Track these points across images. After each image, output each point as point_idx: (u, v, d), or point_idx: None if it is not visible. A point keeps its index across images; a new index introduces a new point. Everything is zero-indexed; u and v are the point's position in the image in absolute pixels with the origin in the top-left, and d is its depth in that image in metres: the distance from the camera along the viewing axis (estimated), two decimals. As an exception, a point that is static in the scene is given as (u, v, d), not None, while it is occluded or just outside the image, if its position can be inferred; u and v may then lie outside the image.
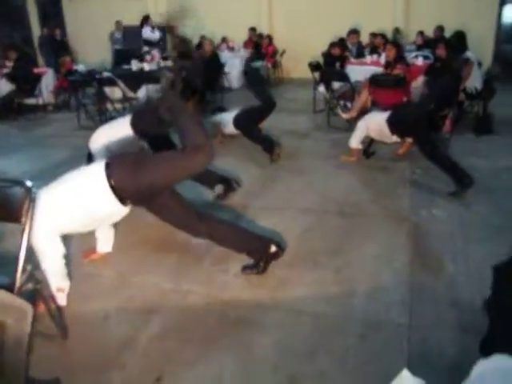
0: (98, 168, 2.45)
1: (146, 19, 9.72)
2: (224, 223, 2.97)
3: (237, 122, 5.28)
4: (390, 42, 6.68)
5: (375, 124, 4.60)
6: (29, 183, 2.06)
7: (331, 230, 3.44)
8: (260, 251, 2.85)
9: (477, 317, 2.38)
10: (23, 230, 2.00)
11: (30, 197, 2.01)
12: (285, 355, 2.20)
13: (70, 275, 2.52)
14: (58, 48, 10.98)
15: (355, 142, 4.79)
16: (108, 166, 2.43)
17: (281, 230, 3.39)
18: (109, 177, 2.38)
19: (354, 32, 8.60)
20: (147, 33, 9.61)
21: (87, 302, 2.64)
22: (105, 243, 3.05)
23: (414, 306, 2.50)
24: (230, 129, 5.42)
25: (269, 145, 5.10)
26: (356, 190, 4.21)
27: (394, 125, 4.39)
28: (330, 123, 6.60)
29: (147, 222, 3.28)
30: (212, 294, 2.70)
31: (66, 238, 2.56)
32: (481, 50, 8.44)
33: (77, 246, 3.11)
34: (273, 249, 2.82)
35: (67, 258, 2.51)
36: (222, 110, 5.94)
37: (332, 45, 7.65)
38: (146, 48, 9.45)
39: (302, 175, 4.62)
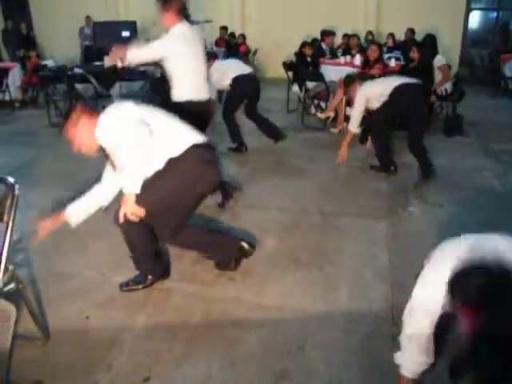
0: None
1: None
2: (191, 227, 2.75)
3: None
4: (374, 43, 6.78)
5: (375, 88, 4.49)
6: (11, 179, 2.00)
7: (311, 229, 3.47)
8: (230, 252, 2.83)
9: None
10: (6, 228, 1.94)
11: (13, 193, 1.94)
12: (271, 352, 2.21)
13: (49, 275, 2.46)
14: (24, 42, 10.66)
15: (354, 125, 4.49)
16: None
17: (260, 229, 3.40)
18: None
19: (329, 33, 8.69)
20: None
21: (68, 302, 2.58)
22: (80, 213, 2.56)
23: (396, 302, 2.56)
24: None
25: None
26: (333, 189, 4.26)
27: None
28: (304, 122, 6.65)
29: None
30: (195, 292, 2.69)
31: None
32: (449, 53, 8.67)
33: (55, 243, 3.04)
34: (244, 246, 2.81)
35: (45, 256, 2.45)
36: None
37: (304, 44, 7.71)
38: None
39: (279, 175, 4.64)
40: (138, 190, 2.25)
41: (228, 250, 2.83)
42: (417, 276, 1.62)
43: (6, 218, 1.93)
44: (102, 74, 6.94)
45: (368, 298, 2.60)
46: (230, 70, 5.19)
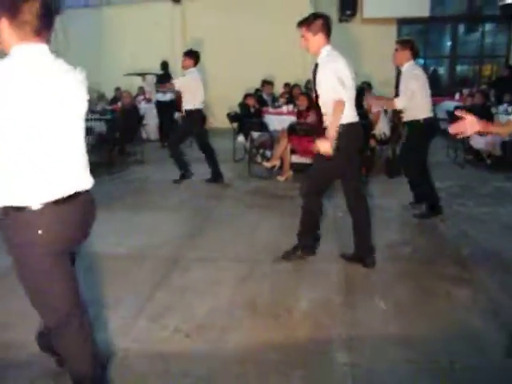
0: None
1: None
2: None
3: None
4: (302, 93, 7.13)
5: None
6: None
7: (266, 278, 3.48)
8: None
9: (416, 348, 2.53)
10: None
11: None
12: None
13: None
14: None
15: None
16: None
17: (214, 281, 3.38)
18: None
19: (268, 83, 9.05)
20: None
21: (10, 371, 2.42)
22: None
23: (353, 343, 2.59)
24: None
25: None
26: (283, 236, 4.31)
27: None
28: (250, 172, 6.77)
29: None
30: (153, 350, 2.61)
31: None
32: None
33: None
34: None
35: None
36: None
37: (247, 96, 7.97)
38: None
39: (230, 224, 4.66)
40: None
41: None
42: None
43: None
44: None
45: (325, 342, 2.62)
46: None
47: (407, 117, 4.52)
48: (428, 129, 4.48)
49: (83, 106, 1.82)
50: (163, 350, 2.60)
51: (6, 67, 1.58)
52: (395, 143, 6.50)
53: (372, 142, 6.22)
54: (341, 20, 10.78)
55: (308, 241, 3.74)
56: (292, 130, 6.13)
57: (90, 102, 1.97)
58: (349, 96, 3.28)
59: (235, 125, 7.62)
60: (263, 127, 6.77)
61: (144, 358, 2.54)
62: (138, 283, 3.42)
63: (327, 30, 3.36)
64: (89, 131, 6.95)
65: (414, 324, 2.79)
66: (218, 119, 9.89)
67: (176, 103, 9.03)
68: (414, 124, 4.48)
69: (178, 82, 6.17)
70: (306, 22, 3.36)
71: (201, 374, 2.40)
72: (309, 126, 6.04)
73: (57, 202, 1.74)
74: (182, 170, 6.37)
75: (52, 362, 2.34)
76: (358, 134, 3.47)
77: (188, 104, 6.10)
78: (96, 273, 3.58)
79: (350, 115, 3.33)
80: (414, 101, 4.31)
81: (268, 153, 6.91)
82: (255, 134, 6.98)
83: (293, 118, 6.70)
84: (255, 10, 10.99)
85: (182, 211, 5.10)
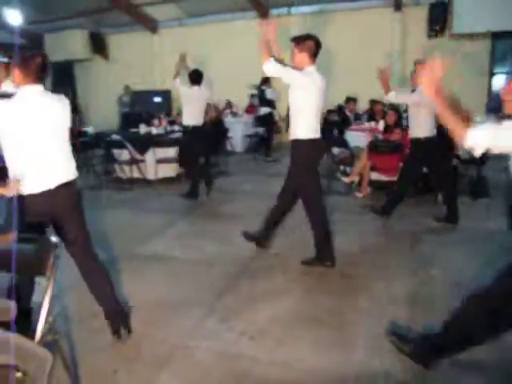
0: None
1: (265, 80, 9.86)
2: None
3: None
4: (391, 108, 7.03)
5: None
6: (54, 239, 2.21)
7: (331, 291, 3.54)
8: None
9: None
10: (47, 284, 2.12)
11: (54, 253, 2.15)
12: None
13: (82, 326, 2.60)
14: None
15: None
16: None
17: (280, 291, 3.50)
18: None
19: (352, 100, 9.06)
20: (269, 93, 9.80)
21: (96, 354, 2.71)
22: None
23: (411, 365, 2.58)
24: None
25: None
26: (355, 251, 4.33)
27: None
28: (330, 187, 6.81)
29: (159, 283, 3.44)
30: (219, 350, 2.78)
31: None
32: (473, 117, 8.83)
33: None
34: None
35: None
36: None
37: (329, 112, 8.05)
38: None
39: (302, 239, 4.75)
40: None
41: None
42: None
43: (48, 273, 2.12)
44: (137, 139, 7.39)
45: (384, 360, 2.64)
46: None
47: None
48: None
49: (66, 121, 2.68)
50: (228, 350, 2.77)
51: (10, 102, 2.48)
52: (481, 164, 6.21)
53: (455, 162, 6.02)
54: (430, 36, 10.49)
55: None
56: (373, 146, 6.11)
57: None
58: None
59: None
60: (344, 144, 6.81)
61: (211, 356, 2.72)
62: (210, 286, 3.64)
63: (313, 52, 3.64)
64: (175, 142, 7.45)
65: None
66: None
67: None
68: None
69: None
70: (297, 39, 3.67)
71: (260, 376, 2.53)
72: (391, 143, 6.00)
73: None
74: None
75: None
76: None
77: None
78: (176, 276, 3.87)
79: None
80: None
81: (348, 169, 6.92)
82: (336, 150, 7.03)
83: (375, 135, 6.67)
84: (346, 29, 11.02)
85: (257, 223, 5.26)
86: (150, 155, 7.30)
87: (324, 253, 3.94)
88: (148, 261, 4.20)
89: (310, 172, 3.83)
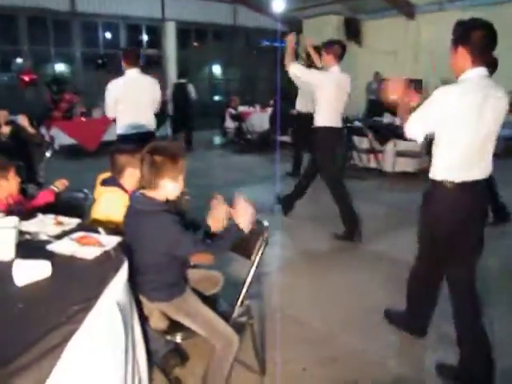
0: None
1: None
2: None
3: None
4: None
5: None
6: (266, 223, 2.16)
7: None
8: None
9: None
10: (251, 265, 2.10)
11: (264, 238, 2.11)
12: None
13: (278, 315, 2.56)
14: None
15: None
16: None
17: None
18: None
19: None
20: None
21: (289, 347, 2.63)
22: None
23: None
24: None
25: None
26: None
27: None
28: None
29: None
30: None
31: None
32: None
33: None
34: None
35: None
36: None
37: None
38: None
39: None
40: None
41: None
42: None
43: (253, 257, 2.10)
44: (379, 128, 7.11)
45: None
46: None
47: None
48: None
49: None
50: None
51: None
52: None
53: None
54: None
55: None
56: None
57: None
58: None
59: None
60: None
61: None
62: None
63: (339, 55, 4.28)
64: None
65: None
66: None
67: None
68: None
69: None
70: (326, 44, 4.34)
71: None
72: None
73: None
74: None
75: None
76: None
77: None
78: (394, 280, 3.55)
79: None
80: None
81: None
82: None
83: None
84: None
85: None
86: (390, 147, 6.94)
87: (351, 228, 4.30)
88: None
89: (328, 154, 4.37)
